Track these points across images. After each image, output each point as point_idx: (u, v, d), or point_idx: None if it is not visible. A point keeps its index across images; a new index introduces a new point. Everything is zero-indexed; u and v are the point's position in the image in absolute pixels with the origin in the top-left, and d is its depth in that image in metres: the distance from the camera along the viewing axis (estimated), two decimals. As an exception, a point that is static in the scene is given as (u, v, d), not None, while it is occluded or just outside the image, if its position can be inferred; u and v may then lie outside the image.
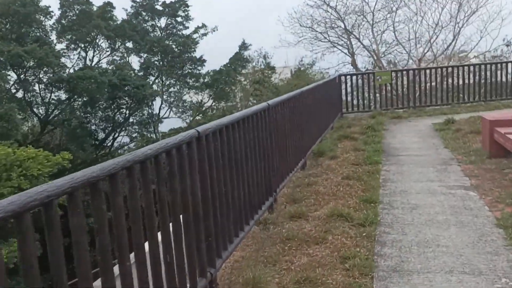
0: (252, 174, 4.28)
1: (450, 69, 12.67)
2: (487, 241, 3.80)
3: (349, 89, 12.45)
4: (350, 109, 12.29)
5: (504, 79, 12.78)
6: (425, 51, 20.57)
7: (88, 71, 18.52)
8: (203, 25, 24.30)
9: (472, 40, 21.56)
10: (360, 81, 12.74)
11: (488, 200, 4.81)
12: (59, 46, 21.58)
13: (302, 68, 30.77)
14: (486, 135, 6.56)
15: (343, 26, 22.25)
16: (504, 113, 7.22)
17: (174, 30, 23.70)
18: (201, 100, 25.21)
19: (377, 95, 12.59)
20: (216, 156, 3.44)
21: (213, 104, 25.77)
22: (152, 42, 21.14)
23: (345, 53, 23.54)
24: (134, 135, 24.31)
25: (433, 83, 12.84)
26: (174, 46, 22.07)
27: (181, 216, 2.92)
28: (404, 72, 12.35)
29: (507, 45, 23.45)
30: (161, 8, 23.65)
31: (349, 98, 12.83)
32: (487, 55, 23.24)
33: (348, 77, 12.20)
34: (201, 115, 25.85)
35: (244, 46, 25.04)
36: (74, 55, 21.92)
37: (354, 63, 23.10)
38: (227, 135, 3.69)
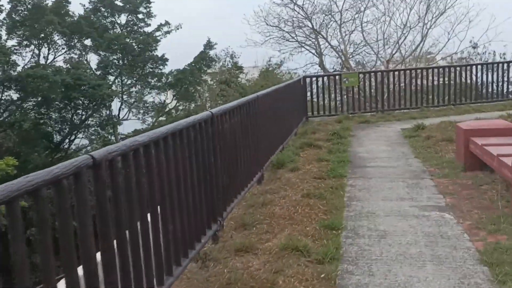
0: (187, 201, 3.48)
1: (419, 71, 12.17)
2: (470, 285, 3.11)
3: (314, 91, 11.77)
4: (316, 113, 11.62)
5: (473, 81, 12.38)
6: (393, 52, 20.20)
7: (39, 69, 17.28)
8: (166, 23, 23.29)
9: (439, 41, 21.29)
10: (326, 83, 12.09)
11: (467, 225, 4.15)
12: (10, 43, 20.20)
13: (270, 69, 30.14)
14: (460, 145, 5.95)
15: (310, 25, 21.66)
16: (480, 122, 6.64)
17: (135, 28, 22.59)
18: (164, 101, 24.17)
19: (344, 97, 11.96)
20: (128, 188, 2.62)
21: (177, 104, 24.77)
22: (110, 40, 19.99)
23: (313, 54, 22.98)
24: (93, 137, 23.09)
25: (402, 86, 12.31)
26: (134, 44, 20.94)
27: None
28: (372, 74, 11.76)
29: (474, 47, 23.30)
30: (121, 4, 22.48)
31: (315, 100, 12.16)
32: (454, 57, 23.13)
33: (314, 78, 11.52)
34: (165, 116, 24.83)
35: (209, 45, 24.16)
36: (26, 52, 20.55)
37: (322, 64, 22.55)
38: (147, 157, 2.87)
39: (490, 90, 12.42)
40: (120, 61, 21.26)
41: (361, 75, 11.70)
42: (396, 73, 12.15)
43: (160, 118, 24.41)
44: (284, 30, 22.24)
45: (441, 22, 20.54)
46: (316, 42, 22.52)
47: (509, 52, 24.33)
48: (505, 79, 12.32)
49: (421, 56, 21.35)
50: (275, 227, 4.33)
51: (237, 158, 4.93)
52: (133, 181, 2.66)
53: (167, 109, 24.48)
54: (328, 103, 11.73)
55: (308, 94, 11.60)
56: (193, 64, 23.33)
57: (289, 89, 9.15)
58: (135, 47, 20.87)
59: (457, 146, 6.19)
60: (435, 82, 12.20)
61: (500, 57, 24.01)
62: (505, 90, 12.40)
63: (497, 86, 12.40)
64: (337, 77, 11.72)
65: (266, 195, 5.30)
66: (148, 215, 2.93)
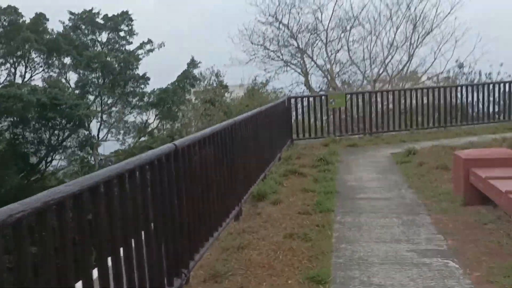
0: (139, 258, 2.82)
1: (408, 92, 11.71)
2: None
3: (300, 112, 11.22)
4: (302, 135, 11.04)
5: (463, 103, 11.95)
6: (380, 72, 19.85)
7: (13, 89, 16.52)
8: (149, 41, 22.73)
9: (426, 61, 21.00)
10: (312, 104, 11.55)
11: (475, 277, 3.54)
12: (-15, 61, 19.44)
13: (255, 87, 29.70)
14: (459, 176, 5.38)
15: (296, 44, 21.29)
16: (482, 151, 6.08)
17: (117, 46, 21.97)
18: (146, 121, 23.45)
19: (331, 119, 11.42)
20: (45, 256, 1.96)
21: (159, 124, 24.06)
22: (89, 58, 19.32)
23: (299, 73, 22.59)
24: (73, 159, 22.24)
25: (390, 107, 11.83)
26: (114, 63, 20.30)
27: None
28: (359, 95, 11.26)
29: (460, 67, 23.11)
30: (102, 22, 21.90)
31: (302, 121, 11.60)
32: (440, 76, 22.92)
33: (299, 99, 10.97)
34: (146, 136, 24.08)
35: (193, 64, 23.60)
36: (2, 70, 19.78)
37: (307, 83, 22.14)
38: (78, 212, 2.22)
39: (480, 111, 11.98)
40: (100, 80, 20.57)
41: (348, 96, 11.19)
42: (385, 93, 11.67)
43: (142, 139, 23.67)
44: (269, 49, 21.85)
45: (427, 41, 20.33)
46: (301, 61, 22.16)
47: (495, 72, 24.27)
48: (494, 99, 11.93)
49: (408, 76, 21.05)
50: (251, 280, 3.67)
51: (209, 195, 4.29)
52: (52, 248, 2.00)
53: (149, 129, 23.75)
54: (314, 125, 11.17)
55: (294, 115, 11.05)
56: (176, 83, 22.72)
57: (272, 111, 8.58)
58: (116, 65, 20.23)
59: (455, 177, 5.62)
60: (425, 105, 11.73)
61: (486, 77, 23.97)
62: (496, 111, 11.98)
63: (488, 107, 11.98)
64: (323, 97, 11.19)
65: (244, 235, 4.65)
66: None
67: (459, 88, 12.03)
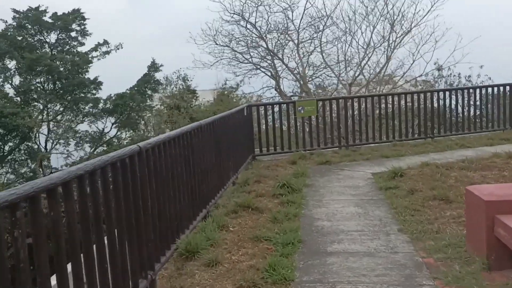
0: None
1: (390, 98, 10.04)
2: None
3: (264, 122, 9.42)
4: (265, 150, 9.26)
5: (452, 110, 10.37)
6: (356, 75, 18.25)
7: None
8: (105, 42, 20.65)
9: (404, 63, 19.47)
10: (279, 112, 9.77)
11: None
12: None
13: (225, 92, 27.93)
14: (478, 225, 3.64)
15: (265, 45, 19.56)
16: (508, 187, 4.34)
17: (67, 47, 19.82)
18: (103, 129, 21.33)
19: (300, 130, 9.66)
20: None
21: (118, 133, 21.98)
22: (31, 60, 17.14)
23: (269, 76, 20.86)
24: (22, 172, 19.96)
25: (369, 115, 10.16)
26: (61, 66, 18.15)
27: None
28: (333, 101, 9.54)
29: (438, 70, 21.72)
30: (50, 21, 19.72)
31: (266, 133, 9.80)
32: (419, 79, 21.55)
33: (262, 107, 9.18)
34: (104, 146, 21.95)
35: (154, 67, 21.63)
36: None
37: (279, 88, 20.44)
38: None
39: (468, 119, 10.41)
40: (47, 85, 18.38)
41: (319, 103, 9.47)
42: (362, 99, 9.97)
43: (98, 150, 21.53)
44: (236, 51, 20.05)
45: (406, 42, 18.87)
46: (272, 64, 20.45)
47: (475, 75, 23.08)
48: (487, 105, 10.38)
49: (386, 79, 19.55)
50: None
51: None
52: None
53: (107, 138, 21.63)
54: (281, 138, 9.40)
55: (257, 126, 9.26)
56: (135, 88, 20.69)
57: (224, 123, 6.76)
58: (62, 68, 18.08)
59: (471, 225, 3.87)
60: (408, 108, 10.10)
61: (466, 80, 22.72)
62: (489, 119, 10.42)
63: (480, 114, 10.43)
64: (290, 105, 9.43)
65: None
66: None
67: (447, 93, 10.43)
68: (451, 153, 8.47)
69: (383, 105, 10.11)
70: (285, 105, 9.51)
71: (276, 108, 9.49)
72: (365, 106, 9.87)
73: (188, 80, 30.87)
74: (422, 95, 9.97)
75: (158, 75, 24.85)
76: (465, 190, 3.93)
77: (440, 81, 22.71)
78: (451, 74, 22.00)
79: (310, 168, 7.96)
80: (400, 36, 18.41)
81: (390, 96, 9.92)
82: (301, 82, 19.95)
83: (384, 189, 6.21)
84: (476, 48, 21.99)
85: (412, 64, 19.17)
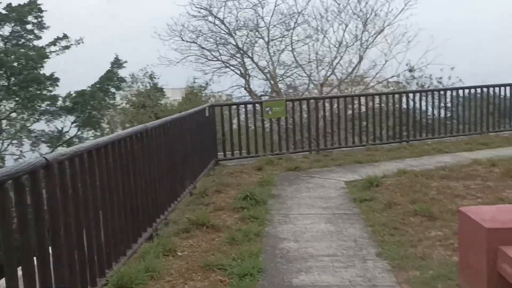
0: None
1: (363, 99, 9.41)
2: None
3: (235, 123, 8.65)
4: (230, 154, 8.48)
5: (428, 114, 9.83)
6: (328, 75, 17.67)
7: None
8: (64, 36, 19.43)
9: (376, 64, 18.98)
10: (247, 112, 9.00)
11: None
12: None
13: (194, 91, 27.01)
14: (478, 258, 2.95)
15: (234, 43, 18.78)
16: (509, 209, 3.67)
17: (22, 40, 18.52)
18: (62, 129, 20.10)
19: (268, 132, 8.92)
20: None
21: (79, 132, 20.78)
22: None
23: (239, 75, 20.09)
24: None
25: (341, 117, 9.51)
26: (14, 60, 16.89)
27: None
28: (304, 102, 8.85)
29: (410, 71, 21.40)
30: (4, 12, 18.40)
31: (231, 135, 9.01)
32: (391, 80, 21.21)
33: (226, 108, 8.40)
34: (65, 146, 20.71)
35: (117, 63, 20.53)
36: None
37: (248, 87, 19.69)
38: None
39: (443, 122, 9.90)
40: (-1, 81, 17.10)
41: (289, 103, 8.76)
42: (335, 100, 9.30)
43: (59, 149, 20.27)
44: (204, 48, 19.17)
45: (378, 42, 18.41)
46: (241, 62, 19.68)
47: (446, 76, 22.89)
48: (464, 108, 9.90)
49: (358, 80, 19.07)
50: None
51: None
52: None
53: (66, 138, 20.40)
54: (246, 141, 8.63)
55: (224, 127, 8.48)
56: (97, 85, 19.56)
57: (183, 124, 5.96)
58: (16, 63, 16.83)
59: (466, 255, 3.18)
60: (383, 110, 9.51)
61: (437, 81, 22.51)
62: (465, 122, 9.93)
63: (457, 118, 9.93)
64: (257, 105, 8.69)
65: None
66: None
67: (422, 95, 9.88)
68: (429, 159, 7.90)
69: (356, 106, 9.46)
70: (251, 105, 8.75)
71: (243, 109, 8.72)
72: (337, 107, 9.21)
73: (155, 78, 29.89)
74: (397, 96, 9.39)
75: (124, 72, 23.77)
76: (458, 212, 3.23)
77: (412, 82, 22.52)
78: (422, 75, 21.79)
79: (277, 175, 7.23)
80: (372, 36, 17.96)
81: (363, 97, 9.28)
82: (272, 82, 19.26)
83: (358, 201, 5.53)
84: (448, 49, 21.80)
85: (384, 64, 18.71)
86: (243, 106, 8.52)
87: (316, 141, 8.87)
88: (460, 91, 9.78)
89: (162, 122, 5.16)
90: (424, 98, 9.74)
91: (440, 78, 22.15)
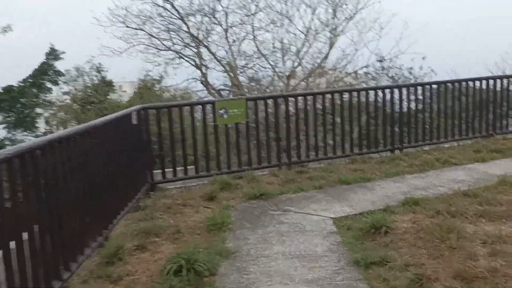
0: None
1: (346, 95, 7.31)
2: None
3: (171, 131, 6.38)
4: (172, 174, 6.24)
5: (425, 115, 7.88)
6: (295, 66, 15.57)
7: None
8: (-12, 22, 16.46)
9: (347, 53, 17.00)
10: (194, 115, 6.73)
11: None
12: None
13: (148, 85, 24.44)
14: None
15: (187, 29, 16.41)
16: None
17: None
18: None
19: (222, 142, 6.73)
20: None
21: (10, 135, 17.92)
22: None
23: (195, 66, 17.73)
24: None
25: (318, 121, 7.42)
26: None
27: None
28: (268, 100, 6.73)
29: (380, 61, 19.55)
30: None
31: (172, 148, 6.74)
32: (360, 72, 19.37)
33: (164, 110, 6.14)
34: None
35: (53, 54, 17.76)
36: None
37: (205, 80, 17.39)
38: None
39: (443, 123, 7.97)
40: None
41: (250, 103, 6.61)
42: (309, 97, 7.17)
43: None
44: (153, 36, 16.68)
45: (350, 29, 16.48)
46: (197, 52, 17.32)
47: (417, 67, 21.28)
48: (467, 105, 8.01)
49: (327, 71, 17.10)
50: None
51: None
52: None
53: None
54: (194, 155, 6.41)
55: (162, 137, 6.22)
56: (29, 80, 16.76)
57: (84, 141, 3.70)
58: None
59: None
60: (369, 110, 7.50)
61: (410, 73, 20.92)
62: (469, 121, 8.05)
63: (453, 118, 8.01)
64: (208, 106, 6.47)
65: None
66: None
67: (419, 89, 7.89)
68: (437, 176, 5.93)
69: (337, 103, 7.40)
70: (200, 106, 6.51)
71: (186, 111, 6.46)
72: (313, 106, 7.10)
73: (103, 71, 27.13)
74: (387, 92, 7.37)
75: (67, 65, 21.03)
76: None
77: (382, 73, 20.82)
78: (393, 65, 20.13)
79: (235, 208, 5.07)
80: (343, 21, 15.98)
81: (346, 93, 7.20)
82: (231, 74, 17.03)
83: (363, 265, 3.44)
84: (424, 37, 20.13)
85: (355, 54, 16.73)
86: (187, 107, 6.28)
87: (287, 152, 6.75)
88: (463, 83, 7.85)
89: (39, 143, 2.91)
90: (421, 94, 7.78)
91: (411, 68, 20.57)
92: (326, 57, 15.76)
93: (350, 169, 6.48)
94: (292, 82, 16.30)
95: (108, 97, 26.83)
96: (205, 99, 15.44)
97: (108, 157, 4.38)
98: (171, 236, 4.24)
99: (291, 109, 7.11)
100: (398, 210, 4.57)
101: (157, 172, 6.19)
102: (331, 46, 15.50)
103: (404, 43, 23.19)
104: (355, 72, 18.26)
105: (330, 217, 4.63)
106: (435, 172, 6.14)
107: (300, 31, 15.60)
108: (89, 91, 26.44)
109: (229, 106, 6.21)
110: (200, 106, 6.51)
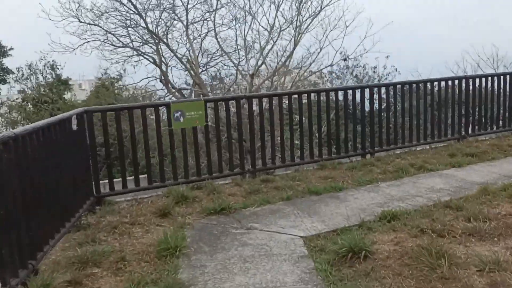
0: None
1: (314, 95, 6.75)
2: None
3: (120, 136, 5.65)
4: (121, 185, 5.51)
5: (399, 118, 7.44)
6: (259, 64, 15.00)
7: None
8: None
9: (311, 52, 16.52)
10: (146, 118, 6.01)
11: None
12: None
13: (106, 83, 23.33)
14: None
15: (145, 25, 15.55)
16: None
17: None
18: None
19: (178, 148, 6.06)
20: None
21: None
22: None
23: (155, 64, 16.89)
24: None
25: (285, 120, 6.88)
26: None
27: None
28: (230, 102, 6.10)
29: (344, 60, 19.29)
30: None
31: (120, 155, 6.00)
32: (325, 71, 19.07)
33: (112, 114, 5.42)
34: None
35: (0, 51, 16.46)
36: None
37: (165, 79, 16.58)
38: None
39: (420, 127, 7.56)
40: None
41: (210, 105, 5.96)
42: (275, 98, 6.59)
43: None
44: (108, 31, 15.71)
45: (315, 26, 16.04)
46: (157, 50, 16.47)
47: (381, 65, 21.14)
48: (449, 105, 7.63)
49: (292, 69, 16.63)
50: None
51: None
52: None
53: None
54: (147, 163, 5.70)
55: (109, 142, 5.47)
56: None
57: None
58: None
59: None
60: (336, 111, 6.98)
61: (374, 72, 20.78)
62: (445, 122, 7.68)
63: (425, 120, 7.63)
64: (162, 109, 5.78)
65: None
66: None
67: (391, 89, 7.46)
68: (413, 184, 5.47)
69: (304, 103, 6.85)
70: (151, 109, 5.80)
71: (137, 113, 5.75)
72: (279, 107, 6.52)
73: (57, 68, 25.79)
74: (357, 92, 6.88)
75: (14, 62, 19.70)
76: None
77: (346, 72, 20.58)
78: (357, 64, 19.93)
79: (192, 227, 4.42)
80: (308, 18, 15.51)
81: (314, 94, 6.64)
82: (192, 72, 16.28)
83: (342, 302, 2.87)
84: (387, 35, 19.99)
85: (319, 52, 16.26)
86: (137, 110, 5.57)
87: (251, 158, 6.14)
88: (442, 83, 7.46)
89: None
90: (400, 92, 7.34)
91: (375, 67, 20.43)
92: (290, 55, 15.25)
93: (319, 177, 5.95)
94: (256, 81, 15.75)
95: (63, 96, 25.53)
96: (159, 101, 14.69)
97: (38, 171, 3.65)
98: (113, 265, 3.56)
99: (256, 109, 6.50)
100: (376, 226, 4.05)
101: (104, 182, 5.46)
102: (295, 44, 14.99)
103: (369, 42, 22.99)
104: (320, 71, 17.90)
105: (300, 236, 4.05)
106: (410, 180, 5.68)
107: (263, 28, 15.04)
108: (43, 90, 25.09)
109: (186, 109, 5.54)
110: (151, 109, 5.79)
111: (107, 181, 5.41)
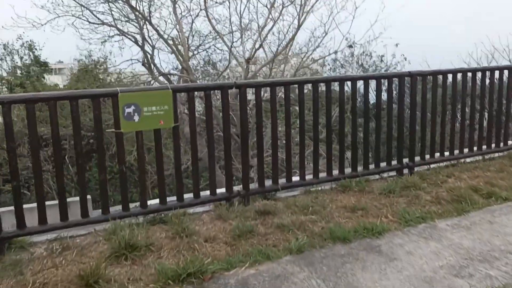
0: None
1: (322, 86, 4.75)
2: None
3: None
4: (38, 223, 3.53)
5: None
6: (256, 47, 12.92)
7: None
8: None
9: (316, 36, 14.41)
10: (78, 114, 4.00)
11: None
12: None
13: (90, 66, 21.24)
14: None
15: (126, 3, 13.47)
16: None
17: None
18: None
19: (130, 164, 4.06)
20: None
21: None
22: None
23: (139, 46, 14.81)
24: None
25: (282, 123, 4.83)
26: None
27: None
28: (216, 93, 4.09)
29: (350, 47, 17.20)
30: None
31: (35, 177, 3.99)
32: (328, 58, 17.13)
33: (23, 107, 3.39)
34: None
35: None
36: None
37: (148, 62, 14.52)
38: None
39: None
40: None
41: (181, 96, 3.98)
42: (280, 88, 4.61)
43: None
44: (85, 6, 13.61)
45: (320, 6, 14.04)
46: (140, 28, 14.37)
47: (390, 54, 19.23)
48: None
49: (295, 55, 14.63)
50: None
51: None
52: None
53: None
54: (79, 186, 3.74)
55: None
56: None
57: None
58: None
59: None
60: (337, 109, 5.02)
61: (381, 61, 18.86)
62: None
63: (481, 123, 5.67)
64: (106, 100, 3.75)
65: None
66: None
67: (447, 77, 5.45)
68: (490, 226, 3.60)
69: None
70: (88, 100, 3.78)
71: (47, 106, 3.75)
72: (286, 102, 4.54)
73: (36, 49, 23.69)
74: (395, 81, 4.91)
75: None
76: None
77: (351, 61, 18.65)
78: (363, 52, 18.00)
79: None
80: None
81: (332, 83, 4.65)
82: (181, 59, 14.20)
83: None
84: (400, 19, 18.09)
85: (325, 36, 14.15)
86: (54, 100, 3.56)
87: (243, 176, 4.17)
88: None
89: None
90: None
91: (382, 56, 18.51)
92: (293, 37, 13.18)
93: (343, 206, 4.01)
94: (253, 68, 13.72)
95: (42, 80, 23.46)
96: (103, 89, 12.65)
97: None
98: None
99: (251, 106, 4.51)
100: None
101: (11, 216, 3.49)
102: (299, 25, 12.92)
103: (379, 28, 21.02)
104: (323, 58, 15.89)
105: None
106: (482, 217, 3.76)
107: (263, 4, 12.94)
108: (19, 72, 23.06)
109: (143, 101, 3.55)
110: (87, 100, 3.78)
111: (14, 214, 3.43)
